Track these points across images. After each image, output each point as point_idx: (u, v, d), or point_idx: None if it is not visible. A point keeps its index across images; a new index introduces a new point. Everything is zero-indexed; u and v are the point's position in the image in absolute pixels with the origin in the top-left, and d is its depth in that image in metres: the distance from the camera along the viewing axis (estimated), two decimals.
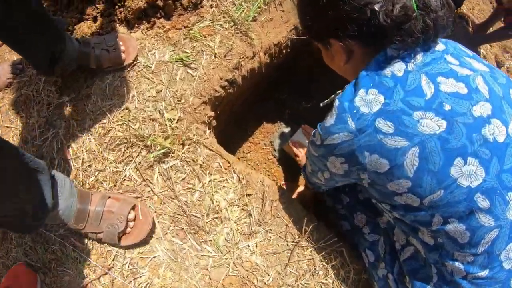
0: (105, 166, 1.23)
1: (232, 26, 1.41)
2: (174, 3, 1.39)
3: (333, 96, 1.02)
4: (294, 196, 1.93)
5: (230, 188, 1.25)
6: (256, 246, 1.24)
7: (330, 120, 0.79)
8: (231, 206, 1.24)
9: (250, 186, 1.27)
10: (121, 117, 1.26)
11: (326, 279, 1.22)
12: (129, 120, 1.25)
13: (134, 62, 1.33)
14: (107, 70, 1.32)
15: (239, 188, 1.26)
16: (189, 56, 1.34)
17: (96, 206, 1.09)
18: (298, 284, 1.19)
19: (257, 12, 1.46)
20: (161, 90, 1.30)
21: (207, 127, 1.33)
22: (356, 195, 1.24)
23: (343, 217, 1.28)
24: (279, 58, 1.65)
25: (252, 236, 1.23)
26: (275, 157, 2.38)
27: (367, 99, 0.74)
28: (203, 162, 1.25)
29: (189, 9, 1.43)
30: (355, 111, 0.74)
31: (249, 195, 1.26)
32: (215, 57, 1.35)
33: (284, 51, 1.65)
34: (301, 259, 1.23)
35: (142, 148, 1.23)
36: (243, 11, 1.43)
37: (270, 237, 1.25)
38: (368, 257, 1.17)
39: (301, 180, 2.33)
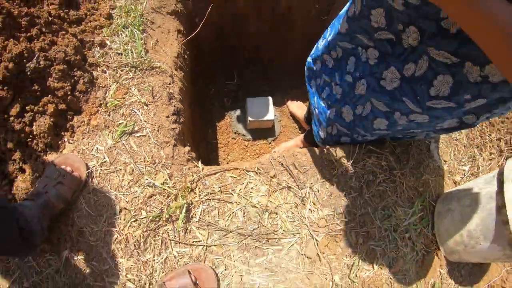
0: (153, 267, 1.18)
1: (135, 71, 1.37)
2: (74, 95, 1.32)
3: None
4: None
5: (257, 185, 1.25)
6: (314, 204, 1.26)
7: None
8: (270, 196, 1.24)
9: (267, 169, 1.28)
10: (125, 219, 1.21)
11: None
12: (134, 215, 1.20)
13: (90, 170, 1.27)
14: (74, 199, 1.25)
15: (262, 178, 1.26)
16: (126, 124, 1.29)
17: None
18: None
19: (143, 44, 1.42)
20: (133, 170, 1.25)
21: (194, 161, 1.31)
22: None
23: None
24: (187, 64, 1.63)
25: (305, 201, 1.25)
26: (249, 140, 2.42)
27: None
28: (219, 188, 1.24)
29: (89, 89, 1.37)
30: None
31: (272, 176, 1.27)
32: (146, 105, 1.32)
33: (185, 55, 1.63)
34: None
35: (166, 225, 1.20)
36: (132, 52, 1.38)
37: (318, 190, 1.28)
38: None
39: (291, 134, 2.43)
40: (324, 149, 1.35)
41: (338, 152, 1.37)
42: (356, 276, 1.22)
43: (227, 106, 2.49)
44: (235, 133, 2.44)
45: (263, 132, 2.43)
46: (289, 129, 2.51)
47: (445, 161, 1.57)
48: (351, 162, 1.35)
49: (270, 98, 2.29)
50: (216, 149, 2.38)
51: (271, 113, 2.25)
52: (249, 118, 2.24)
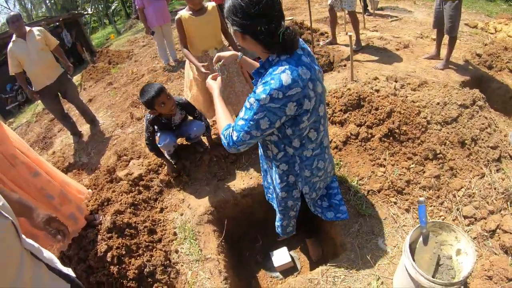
0: None
1: (198, 262, 2.58)
2: (170, 280, 2.50)
3: None
4: None
5: None
6: None
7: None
8: None
9: None
10: None
11: None
12: None
13: None
14: None
15: None
16: None
17: None
18: None
19: (198, 247, 2.67)
20: None
21: None
22: None
23: None
24: (224, 247, 2.84)
25: None
26: (281, 279, 3.39)
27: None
28: None
29: (177, 275, 2.55)
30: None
31: None
32: (209, 278, 2.47)
33: (222, 243, 2.87)
34: None
35: None
36: (193, 252, 2.62)
37: None
38: None
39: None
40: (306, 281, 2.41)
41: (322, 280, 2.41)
42: None
43: (260, 261, 3.57)
44: (270, 277, 3.44)
45: (290, 270, 3.42)
46: (306, 262, 3.50)
47: (395, 246, 2.51)
48: (321, 276, 2.38)
49: (285, 248, 3.38)
50: None
51: (288, 257, 3.30)
52: (275, 265, 3.29)
